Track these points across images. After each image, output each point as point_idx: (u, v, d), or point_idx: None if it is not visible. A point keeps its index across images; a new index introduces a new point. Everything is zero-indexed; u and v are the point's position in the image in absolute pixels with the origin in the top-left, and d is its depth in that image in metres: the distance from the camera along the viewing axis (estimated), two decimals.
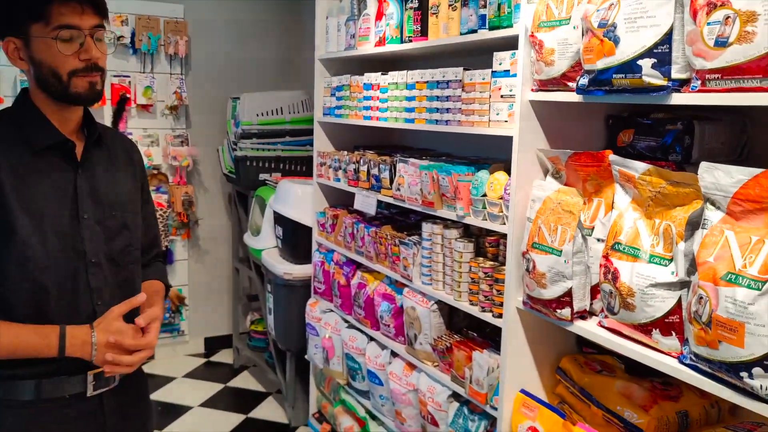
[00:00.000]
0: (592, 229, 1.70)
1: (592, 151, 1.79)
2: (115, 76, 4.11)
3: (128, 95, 4.15)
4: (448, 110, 2.34)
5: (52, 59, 1.40)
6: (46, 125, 1.45)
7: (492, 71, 2.13)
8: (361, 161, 2.89)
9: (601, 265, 1.60)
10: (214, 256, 4.57)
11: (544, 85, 1.77)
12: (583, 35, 1.58)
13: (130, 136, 4.12)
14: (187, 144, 4.32)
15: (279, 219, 3.53)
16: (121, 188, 1.58)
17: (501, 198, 2.06)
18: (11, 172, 1.38)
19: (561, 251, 1.67)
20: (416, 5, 2.50)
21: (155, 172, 4.25)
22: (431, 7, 2.42)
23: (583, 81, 1.57)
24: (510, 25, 2.05)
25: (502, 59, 2.09)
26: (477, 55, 2.63)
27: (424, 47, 2.49)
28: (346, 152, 3.11)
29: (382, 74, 2.75)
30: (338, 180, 3.11)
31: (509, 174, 2.09)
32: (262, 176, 3.96)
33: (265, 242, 3.71)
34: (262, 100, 3.99)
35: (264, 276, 3.71)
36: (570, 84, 1.69)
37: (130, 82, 4.16)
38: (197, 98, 4.35)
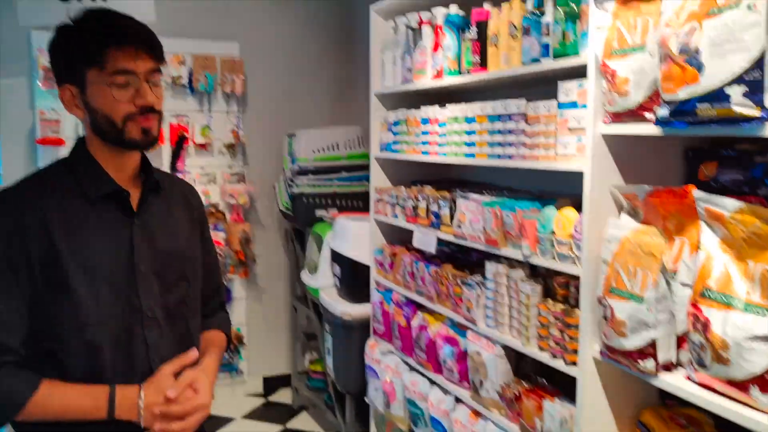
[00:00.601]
0: (676, 272, 1.55)
1: (671, 185, 1.64)
2: (173, 116, 4.15)
3: (186, 134, 4.18)
4: (511, 144, 2.23)
5: (108, 105, 1.35)
6: (101, 174, 1.40)
7: (558, 102, 2.01)
8: (420, 197, 2.80)
9: (689, 314, 1.45)
10: (271, 295, 4.53)
11: (618, 117, 1.64)
12: (660, 62, 1.45)
13: (187, 175, 4.15)
14: (243, 182, 4.31)
15: (336, 257, 3.46)
16: (180, 237, 1.52)
17: (571, 237, 1.92)
18: (65, 226, 1.34)
19: (643, 298, 1.53)
20: (474, 36, 2.41)
21: (213, 210, 4.25)
22: (491, 37, 2.33)
23: (663, 112, 1.44)
24: (576, 54, 1.94)
25: (568, 90, 1.97)
26: (540, 86, 2.51)
27: (484, 79, 2.39)
28: (403, 188, 3.02)
29: (440, 108, 2.66)
30: (396, 216, 3.02)
31: (578, 210, 1.96)
32: (319, 213, 3.91)
33: (323, 281, 3.64)
34: (317, 136, 3.96)
35: (322, 315, 3.63)
36: (647, 115, 1.56)
37: (188, 121, 4.20)
38: (254, 136, 4.35)
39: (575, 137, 1.94)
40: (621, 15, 1.58)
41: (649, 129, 1.54)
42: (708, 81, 1.31)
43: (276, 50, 4.40)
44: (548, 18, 2.04)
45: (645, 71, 1.53)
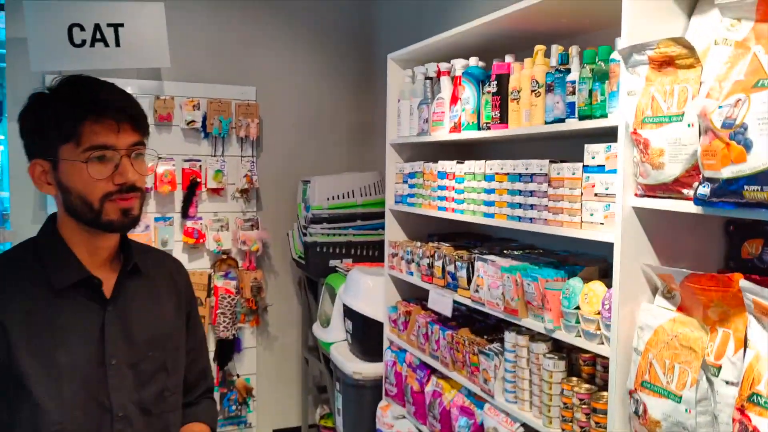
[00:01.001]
0: (719, 368, 1.37)
1: (710, 263, 1.48)
2: (186, 160, 4.06)
3: (198, 179, 4.08)
4: (532, 206, 2.08)
5: (83, 185, 1.22)
6: (69, 260, 1.27)
7: (583, 165, 1.87)
8: (436, 256, 2.65)
9: (734, 420, 1.27)
10: (283, 344, 4.38)
11: (652, 190, 1.49)
12: (700, 135, 1.30)
13: (200, 222, 4.04)
14: (257, 228, 4.19)
15: (349, 312, 3.30)
16: (161, 322, 1.37)
17: (598, 314, 1.76)
18: (25, 320, 1.20)
19: (681, 397, 1.36)
20: (495, 90, 2.28)
21: (224, 257, 4.13)
22: (511, 93, 2.20)
23: (704, 190, 1.29)
24: (604, 115, 1.79)
25: (595, 153, 1.82)
26: (564, 141, 2.37)
27: (504, 136, 2.25)
28: (419, 243, 2.87)
29: (457, 163, 2.52)
30: (411, 274, 2.86)
31: (606, 283, 1.80)
32: (333, 263, 3.77)
33: (335, 335, 3.48)
34: (333, 182, 3.84)
35: (333, 371, 3.47)
36: (685, 191, 1.40)
37: (200, 166, 4.10)
38: (268, 181, 4.25)
39: (602, 205, 1.79)
40: (655, 80, 1.44)
41: (687, 207, 1.38)
42: (757, 161, 1.16)
43: (292, 95, 4.32)
44: (574, 76, 1.90)
45: (682, 143, 1.38)
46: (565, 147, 2.31)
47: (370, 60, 4.42)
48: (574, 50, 2.01)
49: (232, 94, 4.16)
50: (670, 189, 1.43)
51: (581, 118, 1.87)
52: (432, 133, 2.70)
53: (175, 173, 4.01)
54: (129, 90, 1.32)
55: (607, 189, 1.78)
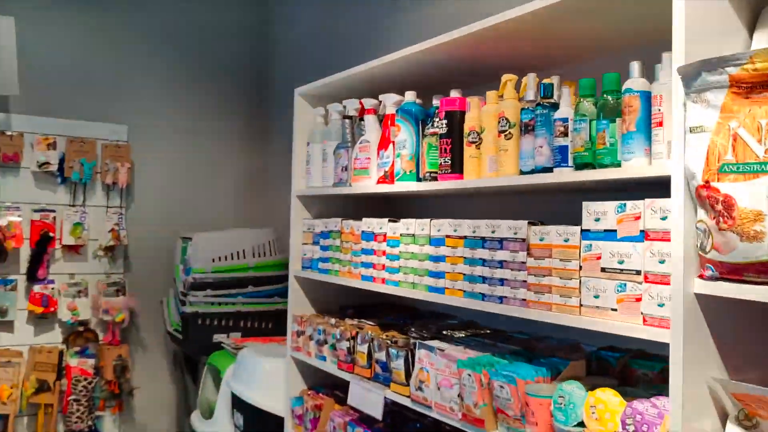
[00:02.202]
0: None
1: None
2: (36, 210, 3.30)
3: (52, 234, 3.31)
4: (502, 282, 1.58)
5: None
6: None
7: (582, 230, 1.40)
8: (359, 338, 2.09)
9: None
10: None
11: (736, 272, 1.02)
12: None
13: (51, 286, 3.28)
14: (123, 294, 3.44)
15: (238, 402, 2.65)
16: None
17: None
18: None
19: None
20: (443, 130, 1.79)
21: (81, 329, 3.36)
22: (468, 134, 1.72)
23: None
24: (616, 164, 1.34)
25: (599, 213, 1.36)
26: (544, 196, 1.93)
27: (458, 189, 1.76)
28: (333, 320, 2.31)
29: (390, 221, 2.00)
30: (323, 358, 2.28)
31: (620, 390, 1.32)
32: (217, 337, 3.12)
33: (220, 429, 2.80)
34: (219, 240, 3.21)
35: None
36: None
37: (55, 217, 3.34)
38: (139, 237, 3.53)
39: (614, 284, 1.32)
40: (739, 111, 0.99)
41: None
42: None
43: (172, 135, 3.66)
44: (565, 112, 1.45)
45: None
46: (543, 203, 1.86)
47: (268, 96, 3.86)
48: (555, 80, 1.57)
49: (98, 132, 3.46)
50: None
51: (579, 166, 1.41)
52: (354, 183, 2.17)
53: (21, 226, 3.23)
54: None
55: (622, 263, 1.31)
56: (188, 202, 3.67)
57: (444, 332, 2.08)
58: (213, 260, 3.15)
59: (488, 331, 2.10)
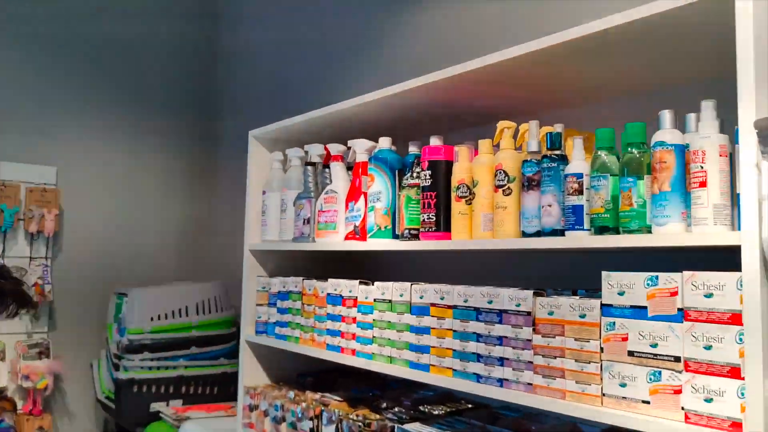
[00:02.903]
0: None
1: None
2: None
3: None
4: (502, 361, 1.35)
5: None
6: None
7: (602, 304, 1.19)
8: (324, 417, 1.82)
9: None
10: None
11: None
12: None
13: None
14: (47, 357, 3.06)
15: None
16: None
17: None
18: None
19: None
20: (427, 182, 1.57)
21: None
22: (457, 188, 1.50)
23: None
24: (644, 228, 1.15)
25: (624, 285, 1.15)
26: (550, 256, 1.73)
27: (444, 249, 1.53)
28: (292, 393, 2.03)
29: (362, 284, 1.76)
30: None
31: None
32: (156, 406, 2.77)
33: None
34: (159, 296, 2.89)
35: None
36: None
37: None
38: (67, 292, 3.16)
39: (647, 372, 1.11)
40: None
41: None
42: None
43: (106, 179, 3.33)
44: (579, 166, 1.25)
45: None
46: (548, 263, 1.66)
47: (217, 137, 3.57)
48: (559, 128, 1.38)
49: (22, 175, 3.11)
50: None
51: (599, 230, 1.20)
52: (318, 239, 1.92)
53: None
54: None
55: (655, 346, 1.10)
56: (124, 252, 3.32)
57: (421, 408, 1.83)
58: (151, 318, 2.82)
59: (470, 406, 1.86)
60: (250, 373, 2.23)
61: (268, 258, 2.24)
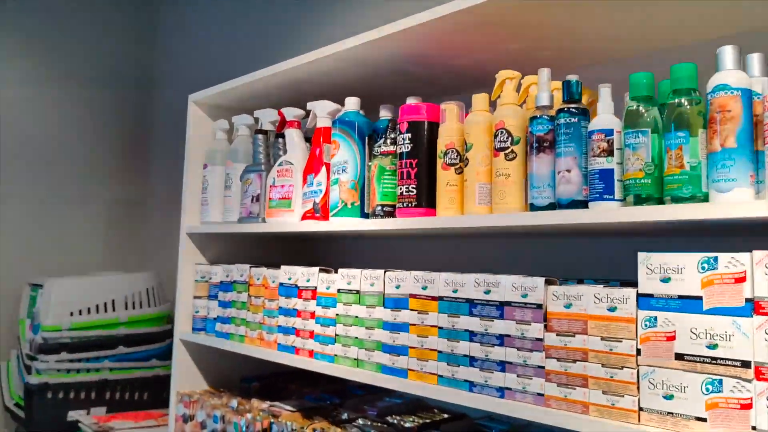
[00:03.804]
0: None
1: None
2: None
3: None
4: (502, 366, 1.09)
5: None
6: None
7: (638, 294, 0.94)
8: (274, 428, 1.52)
9: None
10: None
11: None
12: None
13: None
14: None
15: None
16: None
17: None
18: None
19: None
20: (407, 148, 1.30)
21: None
22: (444, 153, 1.23)
23: None
24: (701, 196, 0.90)
25: (670, 270, 0.90)
26: (563, 238, 1.47)
27: (427, 229, 1.26)
28: (235, 401, 1.73)
29: (322, 271, 1.47)
30: None
31: None
32: (74, 415, 2.42)
33: None
34: (80, 288, 2.53)
35: None
36: None
37: None
38: None
39: (703, 379, 0.86)
40: None
41: None
42: None
43: (19, 154, 2.93)
44: (608, 120, 0.99)
45: None
46: (561, 245, 1.41)
47: (151, 112, 3.21)
48: (573, 78, 1.12)
49: None
50: None
51: (637, 200, 0.95)
52: (269, 219, 1.62)
53: None
54: None
55: (714, 348, 0.86)
56: (40, 239, 2.93)
57: (389, 419, 1.56)
58: (71, 314, 2.46)
59: (446, 416, 1.60)
60: (185, 378, 1.91)
61: (209, 243, 1.93)
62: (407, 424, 1.53)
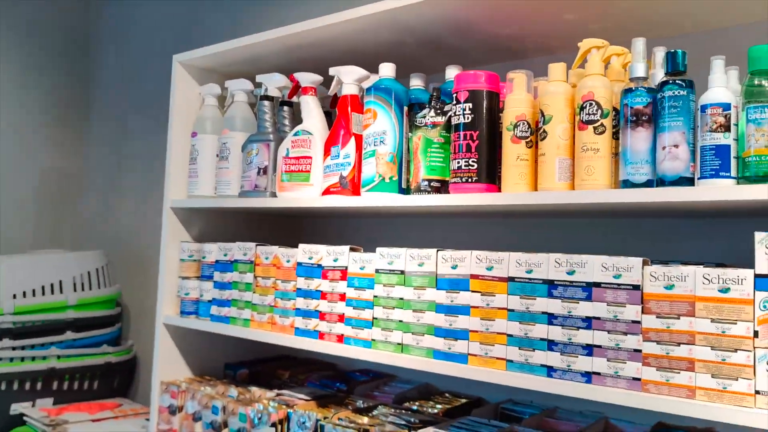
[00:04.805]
0: None
1: None
2: None
3: None
4: (589, 350, 1.03)
5: None
6: None
7: (756, 275, 0.91)
8: (295, 422, 1.41)
9: None
10: None
11: None
12: None
13: None
14: None
15: None
16: None
17: None
18: None
19: None
20: (467, 119, 1.21)
21: None
22: (515, 126, 1.16)
23: None
24: None
25: None
26: (656, 218, 1.42)
27: (488, 205, 1.19)
28: (235, 390, 1.59)
29: (352, 250, 1.37)
30: None
31: None
32: (18, 407, 2.19)
33: None
34: (24, 267, 2.29)
35: None
36: None
37: None
38: None
39: None
40: None
41: None
42: None
43: None
44: (722, 94, 0.95)
45: None
46: (645, 228, 1.36)
47: (90, 75, 2.94)
48: (662, 50, 1.08)
49: None
50: None
51: (756, 179, 0.91)
52: (282, 192, 1.50)
53: None
54: None
55: None
56: None
57: (407, 406, 1.49)
58: (14, 296, 2.21)
59: (464, 401, 1.54)
60: (168, 365, 1.75)
61: (194, 219, 1.77)
62: (427, 409, 1.46)
